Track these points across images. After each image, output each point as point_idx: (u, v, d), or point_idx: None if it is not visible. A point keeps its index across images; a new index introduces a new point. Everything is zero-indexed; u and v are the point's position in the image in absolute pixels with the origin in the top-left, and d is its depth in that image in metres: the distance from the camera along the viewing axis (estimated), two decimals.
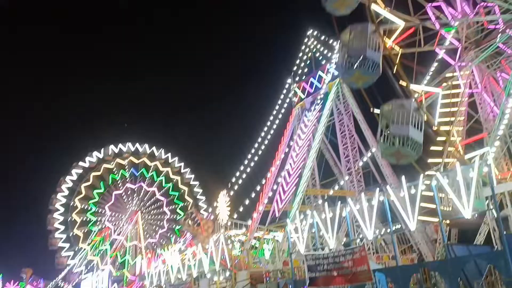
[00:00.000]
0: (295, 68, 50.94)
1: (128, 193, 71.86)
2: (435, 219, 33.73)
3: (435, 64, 33.73)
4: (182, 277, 36.34)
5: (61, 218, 66.36)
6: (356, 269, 20.50)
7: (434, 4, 31.48)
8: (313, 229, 24.58)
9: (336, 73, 46.00)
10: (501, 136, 22.64)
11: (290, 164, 43.19)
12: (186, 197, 72.19)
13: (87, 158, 69.07)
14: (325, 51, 47.86)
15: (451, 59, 32.18)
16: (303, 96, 49.56)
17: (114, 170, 70.73)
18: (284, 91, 50.93)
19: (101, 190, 70.16)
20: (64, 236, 66.17)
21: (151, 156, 72.24)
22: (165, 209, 72.74)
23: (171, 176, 72.67)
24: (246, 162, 47.15)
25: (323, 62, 47.75)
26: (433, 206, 20.01)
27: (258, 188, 43.84)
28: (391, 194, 19.49)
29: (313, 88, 48.34)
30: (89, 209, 69.09)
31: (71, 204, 67.41)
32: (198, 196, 72.25)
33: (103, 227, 69.35)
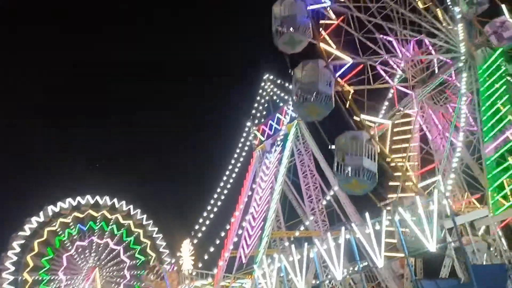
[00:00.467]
0: (253, 111, 51.65)
1: (79, 251, 67.91)
2: (401, 254, 34.15)
3: (386, 103, 35.52)
4: None
5: (11, 278, 61.47)
6: None
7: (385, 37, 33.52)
8: (281, 273, 23.95)
9: (294, 114, 46.98)
10: (455, 168, 23.44)
11: (254, 207, 42.72)
12: (148, 250, 68.64)
13: (41, 213, 64.99)
14: (282, 94, 49.02)
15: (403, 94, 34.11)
16: (263, 139, 49.94)
17: (71, 224, 67.07)
18: (244, 135, 51.22)
19: (56, 247, 66.10)
20: None
21: (112, 209, 68.98)
22: (124, 258, 69.01)
23: (133, 229, 69.38)
24: (209, 208, 46.21)
25: (281, 104, 48.76)
26: (394, 241, 20.23)
27: (222, 234, 42.82)
28: (356, 231, 19.42)
29: (273, 130, 48.94)
30: (42, 267, 64.55)
31: (22, 262, 62.77)
32: (161, 249, 68.91)
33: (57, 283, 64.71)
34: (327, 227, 42.42)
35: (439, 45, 32.93)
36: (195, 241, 44.48)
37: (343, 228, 21.04)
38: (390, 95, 35.99)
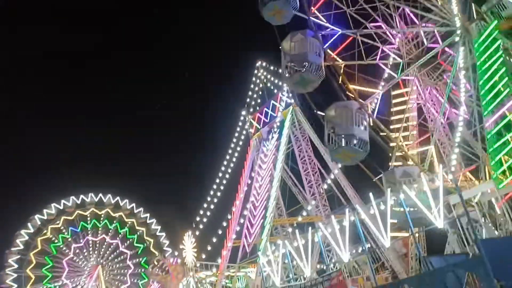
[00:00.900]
0: (248, 100, 51.12)
1: (86, 248, 67.67)
2: (405, 234, 34.12)
3: (382, 83, 35.28)
4: None
5: (15, 275, 61.16)
6: None
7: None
8: (285, 260, 23.69)
9: (289, 101, 46.52)
10: (459, 143, 23.15)
11: (254, 196, 42.42)
12: (152, 249, 68.38)
13: (45, 210, 64.72)
14: (276, 81, 48.47)
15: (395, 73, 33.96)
16: (259, 127, 49.51)
17: (74, 222, 66.73)
18: (240, 124, 50.72)
19: (59, 244, 65.70)
20: None
21: (116, 207, 68.50)
22: (129, 262, 68.85)
23: (137, 227, 69.04)
24: (209, 199, 45.87)
25: (275, 91, 48.25)
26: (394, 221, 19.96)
27: (224, 224, 42.54)
28: (361, 213, 19.13)
29: (268, 117, 48.49)
30: (45, 264, 64.23)
31: (26, 259, 62.44)
32: (165, 248, 68.32)
33: (61, 285, 64.47)
34: (328, 212, 42.24)
35: (434, 20, 32.54)
36: (197, 233, 44.15)
37: (347, 210, 20.73)
38: (386, 75, 36.00)
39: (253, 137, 50.14)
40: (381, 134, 29.55)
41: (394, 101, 37.99)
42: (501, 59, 28.64)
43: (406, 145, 30.22)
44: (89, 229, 67.88)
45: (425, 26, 33.97)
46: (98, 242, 68.16)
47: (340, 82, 27.37)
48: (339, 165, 39.29)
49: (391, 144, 30.30)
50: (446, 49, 34.38)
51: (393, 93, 37.96)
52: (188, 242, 45.07)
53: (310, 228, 22.65)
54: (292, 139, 45.70)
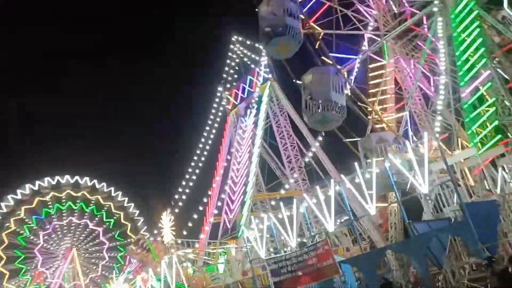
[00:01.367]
0: (224, 75, 50.27)
1: (60, 230, 66.27)
2: (385, 204, 34.79)
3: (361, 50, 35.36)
4: None
5: None
6: (321, 265, 19.84)
7: None
8: (270, 233, 23.67)
9: (266, 76, 46.03)
10: (441, 111, 23.50)
11: (234, 171, 42.24)
12: (129, 233, 67.07)
13: (19, 191, 62.60)
14: (253, 55, 47.72)
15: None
16: (236, 103, 48.93)
17: (49, 203, 64.86)
18: (217, 100, 49.99)
19: (32, 225, 64.05)
20: None
21: (93, 190, 66.83)
22: (105, 246, 67.80)
23: (113, 211, 67.51)
24: (187, 176, 45.35)
25: (252, 66, 47.58)
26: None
27: (205, 200, 42.25)
28: (346, 182, 19.21)
29: (246, 93, 47.93)
30: (18, 245, 62.68)
31: None
32: (142, 232, 66.69)
33: (33, 267, 63.19)
34: (308, 186, 42.56)
35: None
36: (176, 210, 43.78)
37: (332, 180, 20.79)
38: (364, 47, 36.14)
39: (230, 113, 49.59)
40: (358, 103, 29.83)
41: (371, 74, 38.31)
42: (478, 30, 29.06)
43: (382, 112, 30.68)
44: (64, 211, 66.33)
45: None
46: (73, 224, 66.83)
47: (317, 47, 27.22)
48: (319, 138, 39.53)
49: (369, 117, 30.62)
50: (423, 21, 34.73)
51: (371, 66, 38.24)
52: (166, 220, 44.67)
53: (295, 200, 22.65)
54: (270, 115, 45.43)
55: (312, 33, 28.33)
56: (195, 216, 40.68)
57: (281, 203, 22.92)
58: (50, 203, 65.22)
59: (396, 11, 33.45)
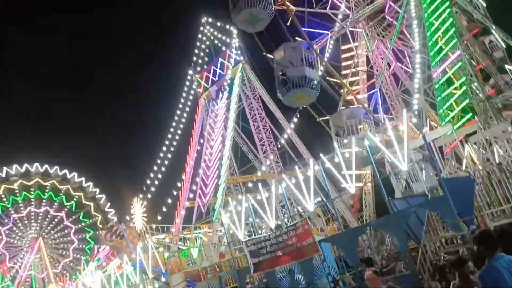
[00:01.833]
0: (194, 58, 49.23)
1: (27, 219, 64.04)
2: (360, 184, 35.25)
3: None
4: None
5: None
6: (301, 244, 19.85)
7: None
8: (249, 216, 23.53)
9: (238, 58, 45.39)
10: (418, 89, 23.77)
11: (207, 155, 41.71)
12: (99, 224, 65.62)
13: None
14: (224, 37, 46.89)
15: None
16: (207, 86, 48.12)
17: (16, 191, 62.27)
18: (187, 83, 48.99)
19: None
20: None
21: (64, 180, 64.63)
22: (68, 223, 65.89)
23: (84, 202, 65.79)
24: (159, 161, 44.44)
25: (223, 48, 46.78)
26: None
27: (179, 184, 41.62)
28: (326, 162, 19.16)
29: (217, 76, 47.16)
30: None
31: None
32: (113, 223, 65.59)
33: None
34: (281, 169, 42.64)
35: None
36: (149, 195, 42.97)
37: (311, 160, 20.73)
38: (336, 28, 36.09)
39: (201, 97, 48.77)
40: (329, 79, 29.94)
41: (343, 55, 38.50)
42: (448, 9, 29.50)
43: (354, 90, 30.97)
44: (32, 199, 63.93)
45: None
46: (40, 214, 64.62)
47: (289, 24, 27.04)
48: (294, 119, 39.52)
49: (341, 90, 30.80)
50: (393, 4, 35.03)
51: (343, 47, 38.41)
52: (138, 207, 43.82)
53: (273, 181, 22.52)
54: (242, 98, 44.99)
55: (285, 10, 28.00)
56: (169, 201, 40.02)
57: (260, 184, 22.72)
58: (17, 191, 62.77)
59: None
